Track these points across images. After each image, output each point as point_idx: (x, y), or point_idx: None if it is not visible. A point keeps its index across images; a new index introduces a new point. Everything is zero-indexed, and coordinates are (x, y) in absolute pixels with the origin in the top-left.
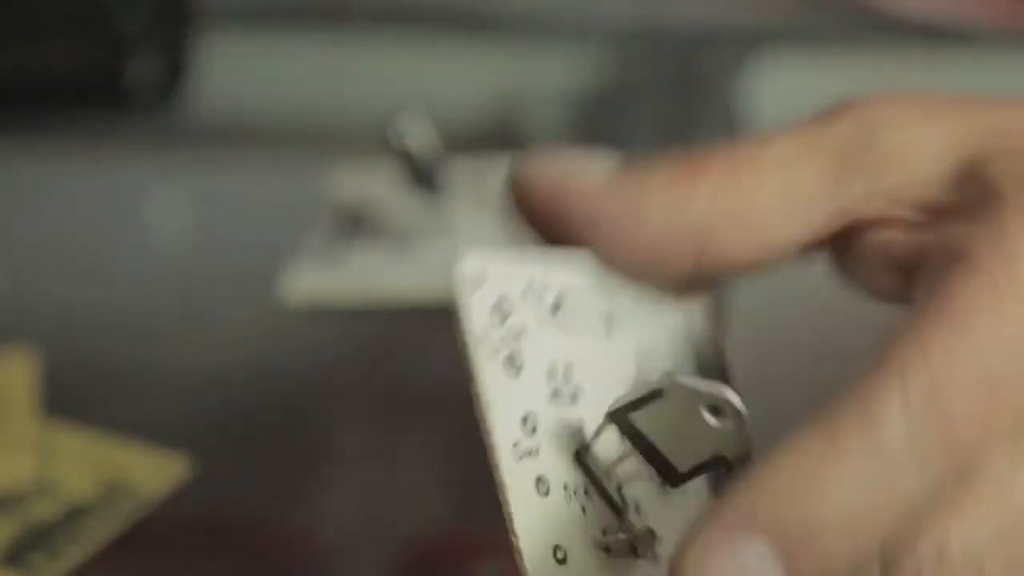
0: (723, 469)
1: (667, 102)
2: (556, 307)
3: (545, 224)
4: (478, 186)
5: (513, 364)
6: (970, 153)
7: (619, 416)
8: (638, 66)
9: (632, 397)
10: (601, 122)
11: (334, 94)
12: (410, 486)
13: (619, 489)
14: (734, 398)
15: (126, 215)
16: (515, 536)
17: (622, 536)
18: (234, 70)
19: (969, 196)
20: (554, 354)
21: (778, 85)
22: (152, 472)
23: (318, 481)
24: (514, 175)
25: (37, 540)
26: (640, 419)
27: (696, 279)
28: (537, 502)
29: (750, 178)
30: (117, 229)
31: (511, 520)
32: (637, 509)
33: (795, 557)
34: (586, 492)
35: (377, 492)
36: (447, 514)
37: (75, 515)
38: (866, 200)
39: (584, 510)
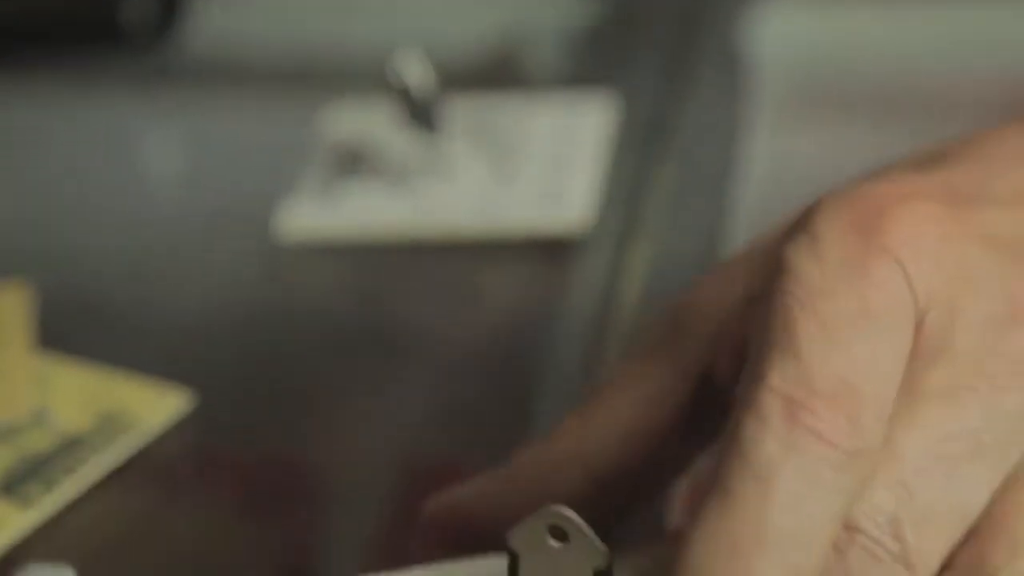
0: None
1: (667, 39)
2: None
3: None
4: (476, 124)
5: None
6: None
7: None
8: (638, 3)
9: None
10: (600, 60)
11: (331, 31)
12: (406, 419)
13: None
14: (569, 513)
15: (122, 153)
16: None
17: None
18: (230, 8)
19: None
20: None
21: (779, 22)
22: (150, 405)
23: (316, 415)
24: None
25: (32, 471)
26: None
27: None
28: None
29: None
30: (113, 167)
31: None
32: None
33: None
34: None
35: (374, 425)
36: (443, 446)
37: (71, 447)
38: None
39: None
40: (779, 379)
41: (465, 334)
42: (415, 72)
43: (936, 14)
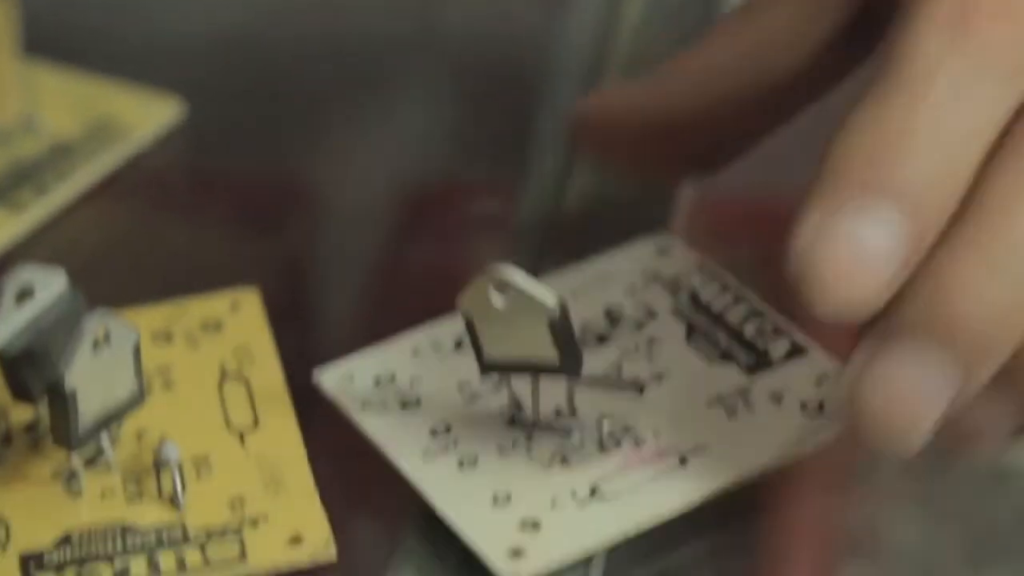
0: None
1: None
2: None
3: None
4: None
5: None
6: None
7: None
8: None
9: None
10: None
11: None
12: (408, 136)
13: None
14: (509, 270)
15: None
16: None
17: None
18: None
19: None
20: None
21: None
22: (141, 114)
23: (312, 132)
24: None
25: (24, 176)
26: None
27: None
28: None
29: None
30: None
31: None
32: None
33: (912, 217)
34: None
35: (373, 143)
36: (441, 165)
37: (62, 153)
38: None
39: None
40: None
41: (464, 46)
42: None
43: None
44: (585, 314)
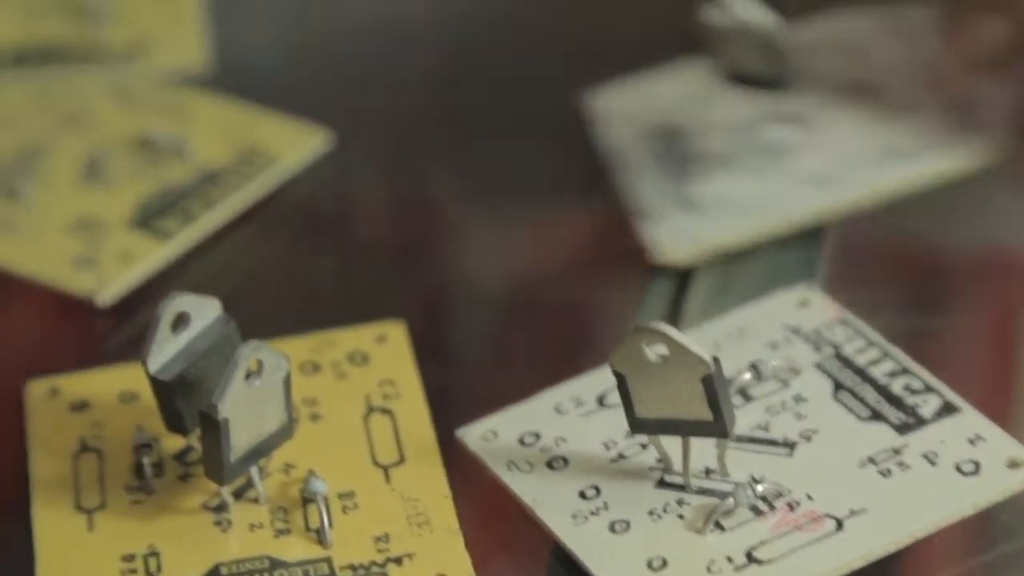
0: None
1: None
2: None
3: None
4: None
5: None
6: None
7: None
8: None
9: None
10: None
11: None
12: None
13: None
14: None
15: None
16: None
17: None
18: None
19: None
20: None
21: None
22: (289, 143)
23: (457, 164)
24: None
25: (171, 203)
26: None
27: None
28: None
29: None
30: None
31: None
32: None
33: None
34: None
35: (517, 175)
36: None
37: (209, 180)
38: None
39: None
40: None
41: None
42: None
43: None
44: (727, 369)
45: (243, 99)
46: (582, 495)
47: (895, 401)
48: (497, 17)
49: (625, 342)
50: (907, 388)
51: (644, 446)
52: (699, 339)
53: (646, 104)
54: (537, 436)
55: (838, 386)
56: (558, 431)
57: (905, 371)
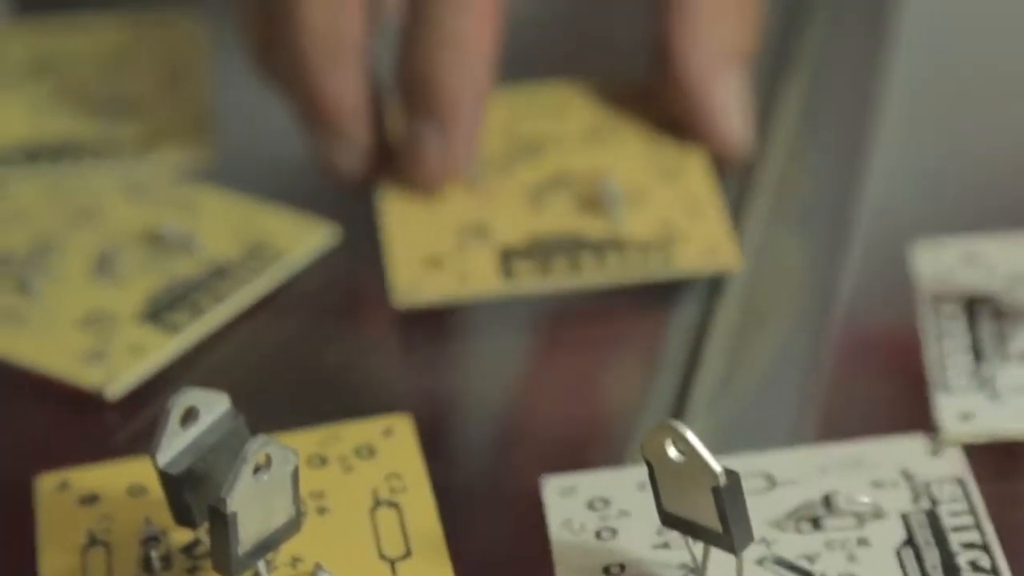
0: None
1: None
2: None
3: None
4: None
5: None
6: None
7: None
8: None
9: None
10: None
11: None
12: None
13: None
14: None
15: None
16: None
17: None
18: None
19: None
20: None
21: None
22: (296, 238)
23: None
24: None
25: (180, 297)
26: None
27: None
28: None
29: None
30: None
31: None
32: None
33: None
34: None
35: None
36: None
37: (218, 275)
38: None
39: None
40: None
41: None
42: None
43: None
44: (810, 493)
45: (251, 193)
46: (606, 570)
47: (952, 572)
48: None
49: (652, 433)
50: (972, 564)
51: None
52: (815, 457)
53: (975, 269)
54: (606, 503)
55: (908, 541)
56: (627, 505)
57: (984, 547)
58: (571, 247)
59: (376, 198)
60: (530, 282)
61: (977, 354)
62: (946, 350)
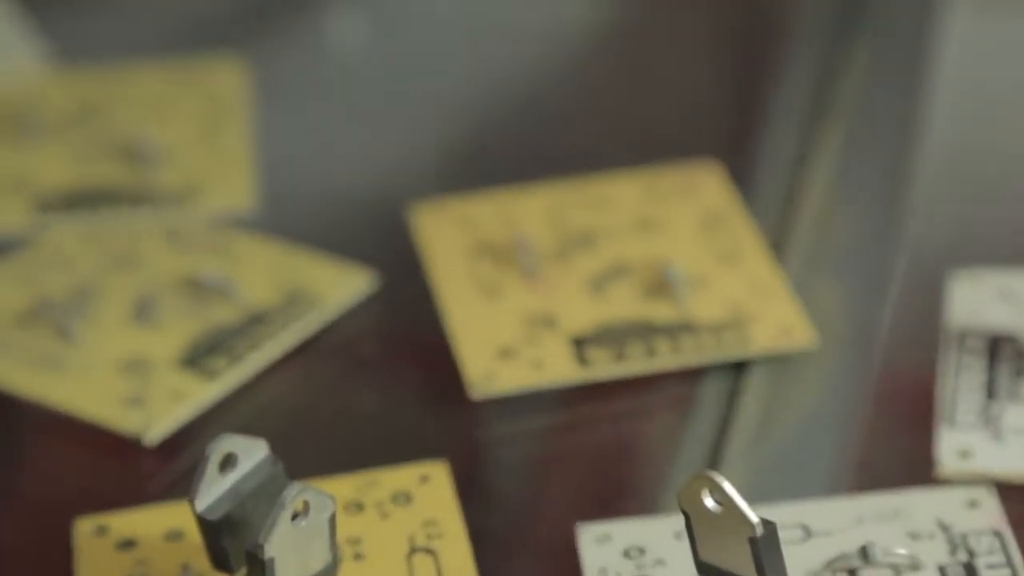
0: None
1: None
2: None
3: None
4: None
5: None
6: None
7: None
8: None
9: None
10: None
11: None
12: None
13: None
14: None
15: None
16: None
17: None
18: None
19: None
20: None
21: None
22: (334, 284)
23: None
24: None
25: (218, 344)
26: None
27: None
28: None
29: None
30: None
31: None
32: None
33: None
34: None
35: None
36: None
37: (256, 321)
38: None
39: None
40: None
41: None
42: None
43: None
44: (847, 545)
45: (289, 239)
46: None
47: None
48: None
49: (688, 483)
50: None
51: None
52: (848, 508)
53: (1008, 305)
54: (642, 552)
55: None
56: (663, 554)
57: None
58: (643, 332)
59: (416, 249)
60: (606, 368)
61: (990, 392)
62: (961, 385)
